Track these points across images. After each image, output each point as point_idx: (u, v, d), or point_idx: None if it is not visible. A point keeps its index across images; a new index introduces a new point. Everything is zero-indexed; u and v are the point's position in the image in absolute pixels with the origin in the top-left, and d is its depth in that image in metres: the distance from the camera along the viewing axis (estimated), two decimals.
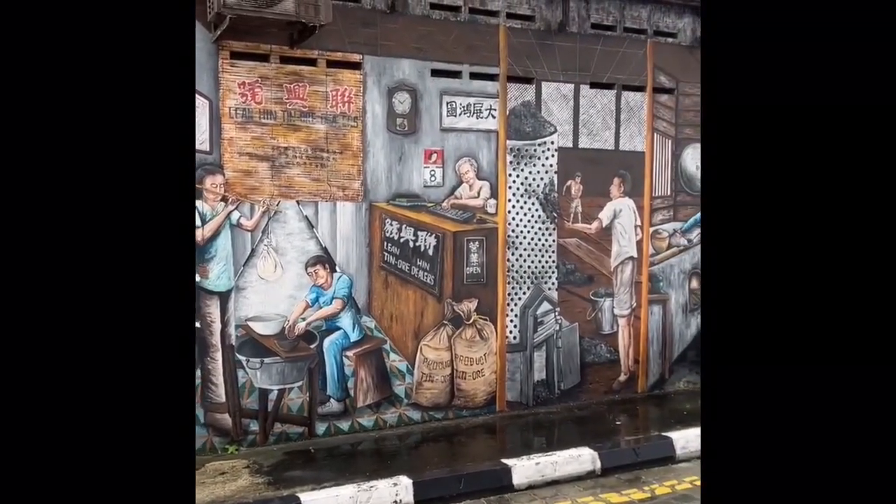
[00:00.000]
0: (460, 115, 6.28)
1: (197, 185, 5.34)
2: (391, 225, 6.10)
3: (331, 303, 5.90)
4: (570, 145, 6.80)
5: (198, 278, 5.40)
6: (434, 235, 6.24)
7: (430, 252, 6.25)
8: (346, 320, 5.97)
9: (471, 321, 6.43)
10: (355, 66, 5.85)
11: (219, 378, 5.52)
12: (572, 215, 6.86)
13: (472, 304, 6.42)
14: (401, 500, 4.76)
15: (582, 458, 5.38)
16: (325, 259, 5.86)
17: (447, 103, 6.22)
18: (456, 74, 6.25)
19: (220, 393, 5.52)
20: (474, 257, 6.42)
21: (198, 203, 5.37)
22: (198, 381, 5.43)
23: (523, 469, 5.17)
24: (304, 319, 5.79)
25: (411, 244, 6.18)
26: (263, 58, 5.54)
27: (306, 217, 5.78)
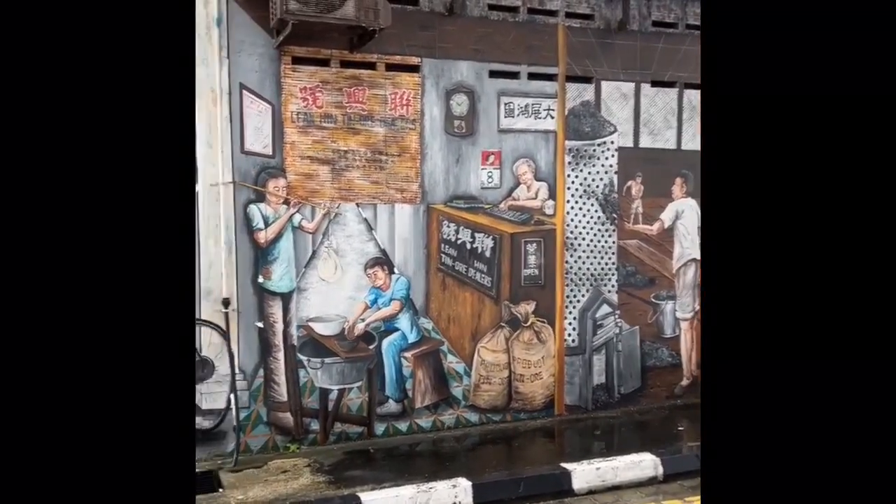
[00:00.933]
0: (518, 115, 6.25)
1: (260, 189, 5.47)
2: (448, 227, 6.10)
3: (389, 304, 5.94)
4: (631, 145, 6.68)
5: (261, 279, 5.52)
6: (491, 237, 6.22)
7: (488, 254, 6.23)
8: (403, 322, 6.00)
9: (528, 323, 6.38)
10: (414, 69, 5.89)
11: (281, 377, 5.63)
12: (633, 216, 6.74)
13: (529, 307, 6.37)
14: (460, 502, 4.75)
15: (643, 464, 5.27)
16: (383, 261, 5.91)
17: (505, 104, 6.20)
18: (514, 75, 6.22)
19: (282, 392, 5.62)
20: (532, 259, 6.37)
21: (261, 206, 5.49)
22: (260, 380, 5.55)
23: (583, 474, 5.10)
24: (363, 320, 5.85)
25: (468, 246, 6.17)
26: (324, 62, 5.63)
27: (365, 219, 5.84)
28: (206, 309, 5.37)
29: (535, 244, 6.37)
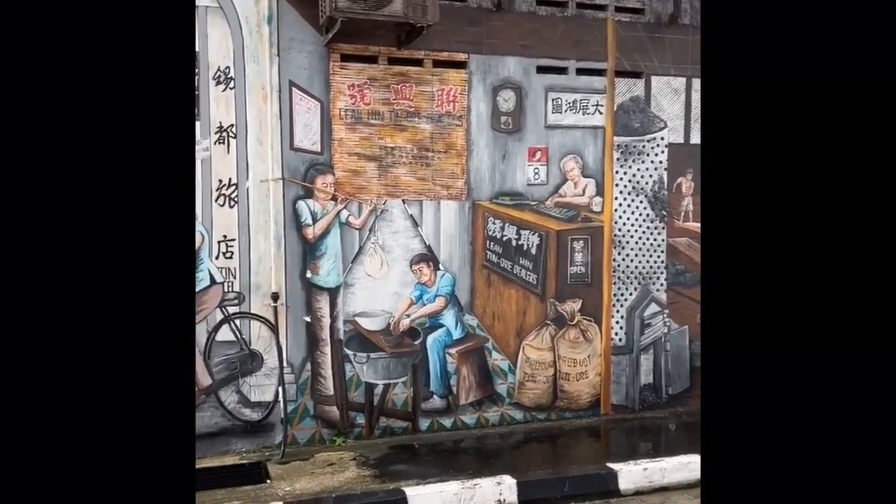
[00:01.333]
0: (566, 111, 6.18)
1: (309, 185, 5.53)
2: (494, 223, 6.08)
3: (434, 300, 5.95)
4: (681, 141, 6.55)
5: (309, 274, 5.59)
6: (537, 234, 6.17)
7: (533, 251, 6.19)
8: (448, 318, 6.01)
9: (574, 322, 6.32)
10: (461, 65, 5.88)
11: (327, 371, 5.69)
12: (683, 214, 6.61)
13: (575, 305, 6.31)
14: (504, 500, 4.74)
15: (692, 466, 5.16)
16: (428, 257, 5.92)
17: (552, 100, 6.14)
18: (562, 70, 6.16)
19: (328, 386, 5.69)
20: (579, 257, 6.30)
21: (309, 202, 5.56)
22: (308, 373, 5.62)
23: (630, 474, 5.03)
24: (408, 316, 5.88)
25: (514, 243, 6.14)
26: (372, 59, 5.66)
27: (411, 216, 5.86)
28: (256, 303, 5.46)
29: (581, 241, 6.30)
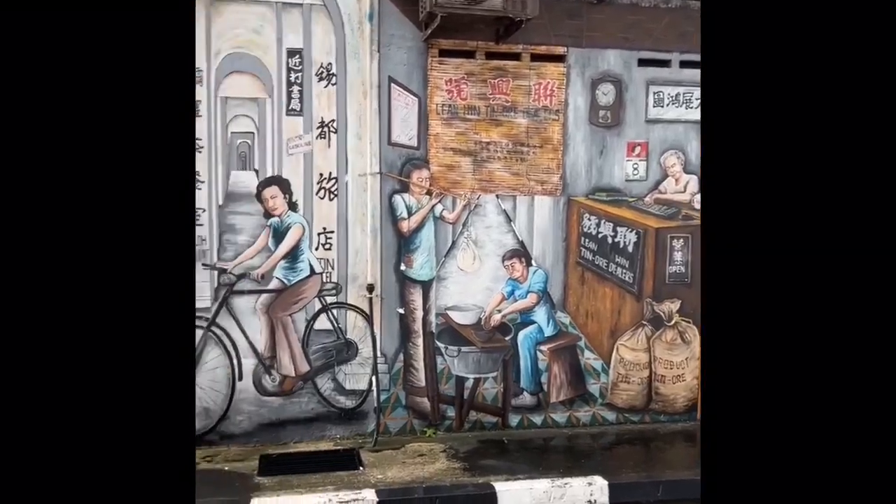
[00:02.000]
0: (668, 105, 5.98)
1: (404, 179, 5.61)
2: (589, 220, 5.97)
3: (526, 296, 5.91)
4: None
5: (403, 267, 5.68)
6: (635, 231, 6.01)
7: (630, 249, 6.03)
8: (540, 314, 5.95)
9: (672, 323, 6.12)
10: (559, 58, 5.80)
11: (419, 363, 5.77)
12: None
13: (674, 305, 6.11)
14: (595, 501, 4.66)
15: None
16: (521, 253, 5.88)
17: (654, 93, 5.96)
18: (665, 63, 5.96)
19: (420, 377, 5.76)
20: (678, 255, 6.09)
21: (405, 196, 5.64)
22: (400, 364, 5.72)
23: None
24: (499, 311, 5.86)
25: (610, 240, 6.00)
26: (469, 54, 5.67)
27: (504, 211, 5.84)
28: (352, 293, 5.60)
29: (681, 240, 6.09)
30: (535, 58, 5.76)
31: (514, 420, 5.92)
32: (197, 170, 5.27)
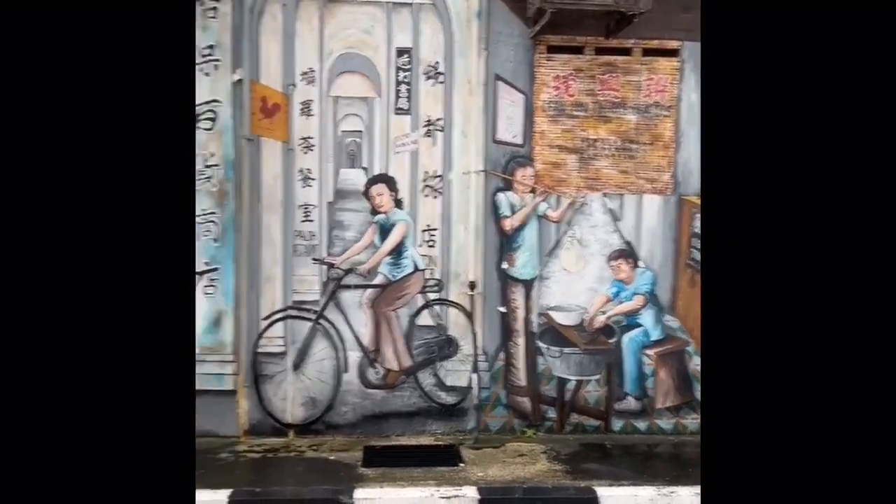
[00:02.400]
0: None
1: (508, 177, 5.58)
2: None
3: (632, 298, 5.74)
4: None
5: (505, 265, 5.65)
6: None
7: None
8: (647, 318, 5.77)
9: None
10: (672, 53, 5.59)
11: (520, 362, 5.72)
12: None
13: None
14: None
15: None
16: (628, 253, 5.72)
17: None
18: None
19: (520, 377, 5.72)
20: None
21: (508, 194, 5.61)
22: (501, 362, 5.70)
23: None
24: (603, 313, 5.73)
25: None
26: (578, 50, 5.57)
27: (611, 210, 5.70)
28: (454, 291, 5.63)
29: None
30: (647, 52, 5.59)
31: (617, 424, 5.78)
32: (308, 167, 5.46)
